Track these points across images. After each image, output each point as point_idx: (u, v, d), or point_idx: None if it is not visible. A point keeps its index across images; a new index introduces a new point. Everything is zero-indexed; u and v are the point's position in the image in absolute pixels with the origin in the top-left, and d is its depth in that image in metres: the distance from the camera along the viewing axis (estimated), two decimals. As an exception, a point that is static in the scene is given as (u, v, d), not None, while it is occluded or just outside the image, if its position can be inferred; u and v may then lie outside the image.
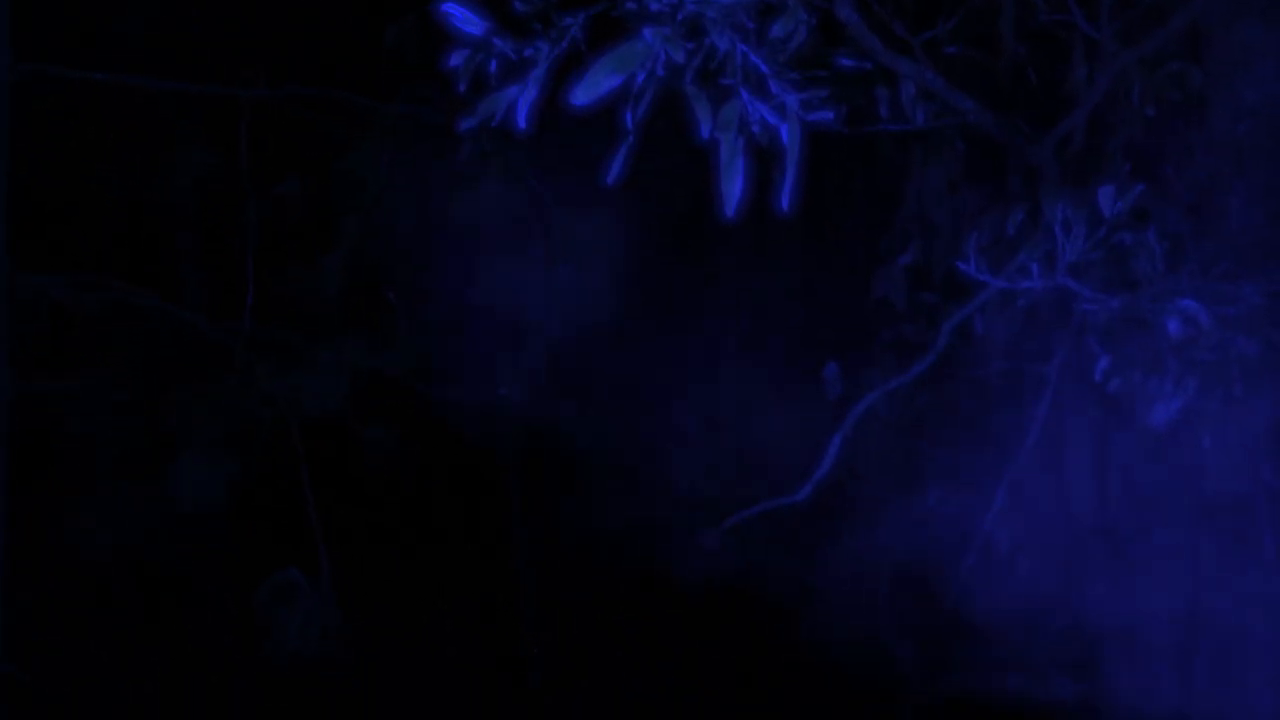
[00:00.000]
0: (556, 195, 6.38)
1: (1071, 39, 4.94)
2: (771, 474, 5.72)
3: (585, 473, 6.73)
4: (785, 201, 3.39)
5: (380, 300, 6.71)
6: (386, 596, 6.81)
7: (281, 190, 6.81)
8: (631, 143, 3.42)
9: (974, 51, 5.11)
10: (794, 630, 6.41)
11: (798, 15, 3.42)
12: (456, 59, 3.75)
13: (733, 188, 3.36)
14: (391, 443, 6.72)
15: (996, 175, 5.56)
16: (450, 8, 3.61)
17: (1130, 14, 4.69)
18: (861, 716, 6.48)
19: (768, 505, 5.25)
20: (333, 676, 6.57)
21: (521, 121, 3.64)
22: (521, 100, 3.63)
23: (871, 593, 6.38)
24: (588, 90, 3.33)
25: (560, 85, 3.52)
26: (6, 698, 5.88)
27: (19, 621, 5.88)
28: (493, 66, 3.73)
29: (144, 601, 6.75)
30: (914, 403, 5.80)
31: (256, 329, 6.66)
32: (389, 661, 6.71)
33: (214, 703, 6.55)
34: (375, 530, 6.90)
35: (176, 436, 6.70)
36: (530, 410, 6.85)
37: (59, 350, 6.72)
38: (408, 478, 6.87)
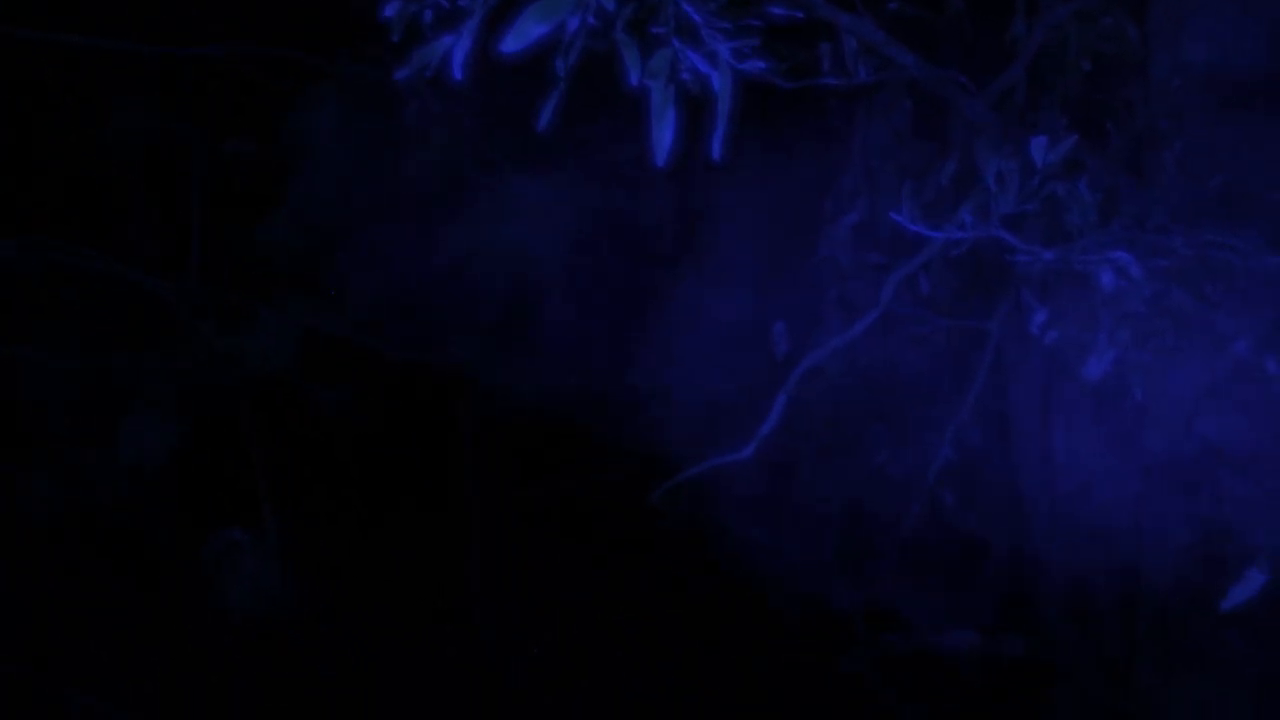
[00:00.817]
0: (503, 151, 6.35)
1: (1012, -7, 4.95)
2: (720, 432, 5.73)
3: (535, 431, 6.73)
4: (717, 151, 3.38)
5: (328, 260, 6.68)
6: (335, 556, 6.80)
7: (229, 149, 6.77)
8: (563, 91, 3.40)
9: (915, 6, 5.10)
10: (740, 585, 6.44)
11: (728, -36, 3.41)
12: (391, 9, 3.73)
13: (664, 137, 3.35)
14: (340, 402, 6.71)
15: (942, 131, 5.56)
16: (384, -43, 3.60)
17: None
18: (808, 671, 6.52)
19: (714, 462, 5.25)
20: (279, 634, 6.56)
21: (457, 72, 3.61)
22: (456, 50, 3.61)
23: (818, 548, 6.41)
24: (517, 37, 3.31)
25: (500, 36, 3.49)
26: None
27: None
28: (427, 16, 3.71)
29: (92, 560, 6.72)
30: (859, 360, 5.81)
31: (203, 288, 6.63)
32: (336, 620, 6.71)
33: (161, 660, 6.54)
34: (323, 490, 6.89)
35: (124, 396, 6.67)
36: (481, 369, 6.84)
37: (6, 312, 6.68)
38: (356, 437, 6.85)
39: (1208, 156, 4.44)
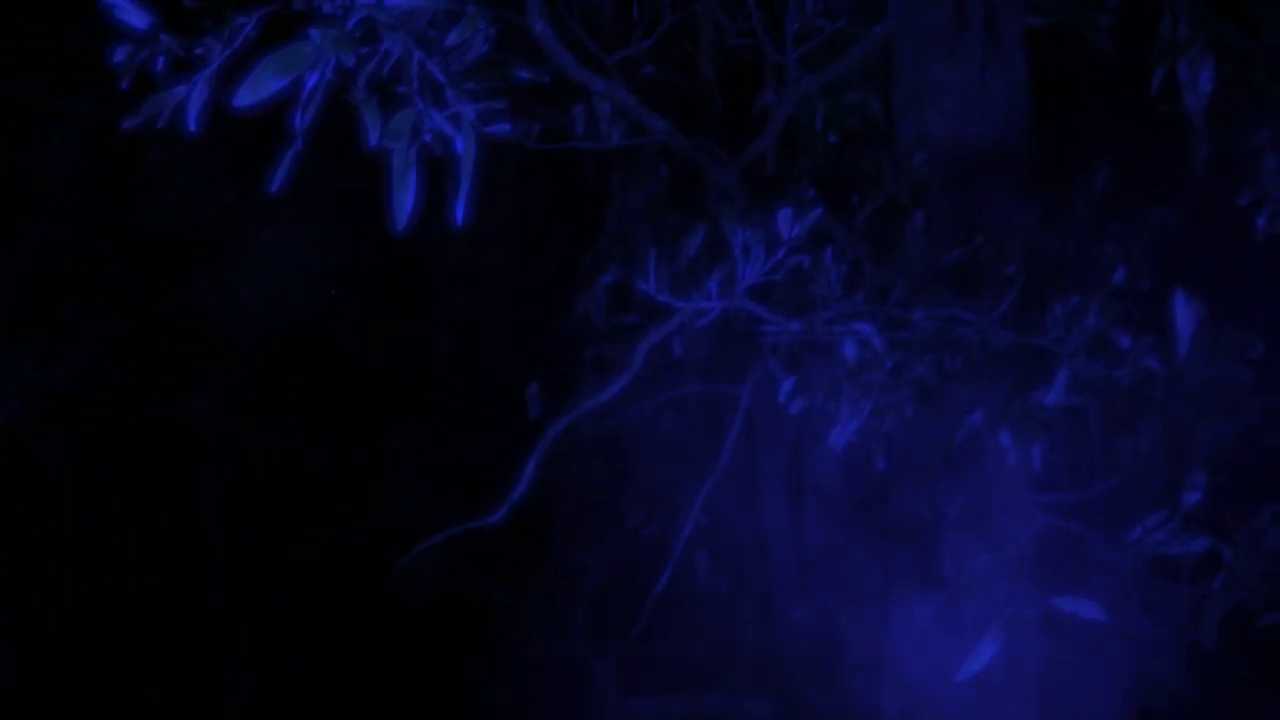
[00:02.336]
0: (249, 204, 6.16)
1: (762, 64, 5.02)
2: (474, 495, 5.62)
3: (282, 491, 6.51)
4: (460, 214, 3.30)
5: (62, 309, 6.35)
6: (62, 626, 6.43)
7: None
8: (299, 149, 3.28)
9: (670, 72, 5.13)
10: (491, 650, 6.33)
11: (476, 25, 3.34)
12: (120, 54, 3.56)
13: (404, 199, 3.25)
14: (69, 460, 6.36)
15: (696, 198, 5.61)
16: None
17: (814, 42, 4.81)
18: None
19: (462, 528, 5.12)
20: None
21: (191, 123, 3.46)
22: (192, 100, 3.46)
23: (569, 613, 6.35)
24: (251, 91, 3.18)
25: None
26: None
27: None
28: (160, 64, 3.55)
29: None
30: (612, 423, 5.79)
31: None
32: (62, 702, 6.32)
33: None
34: (49, 557, 6.51)
35: None
36: (226, 429, 6.59)
37: None
38: (88, 497, 6.51)
39: (947, 229, 4.56)
